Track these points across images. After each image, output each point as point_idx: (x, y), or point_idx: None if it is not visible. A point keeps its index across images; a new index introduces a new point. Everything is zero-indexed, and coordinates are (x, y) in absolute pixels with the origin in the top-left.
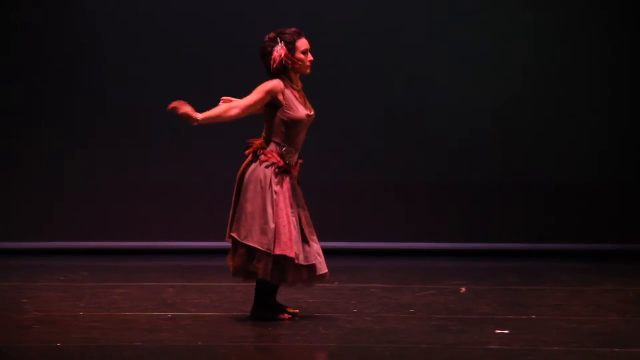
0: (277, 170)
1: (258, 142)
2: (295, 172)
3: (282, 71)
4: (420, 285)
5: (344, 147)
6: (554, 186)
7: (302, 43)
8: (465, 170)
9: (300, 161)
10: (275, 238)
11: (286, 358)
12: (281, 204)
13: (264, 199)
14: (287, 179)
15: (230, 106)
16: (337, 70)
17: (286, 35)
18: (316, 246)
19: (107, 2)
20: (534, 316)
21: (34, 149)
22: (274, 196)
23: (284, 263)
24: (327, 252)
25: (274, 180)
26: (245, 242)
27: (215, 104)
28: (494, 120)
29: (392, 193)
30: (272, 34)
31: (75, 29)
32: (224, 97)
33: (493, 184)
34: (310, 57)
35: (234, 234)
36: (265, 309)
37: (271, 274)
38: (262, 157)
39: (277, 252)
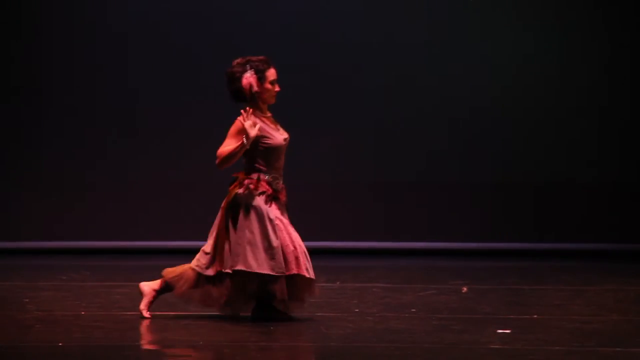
0: (267, 198)
1: (242, 174)
2: (283, 198)
3: (251, 99)
4: (422, 285)
5: (346, 147)
6: (555, 186)
7: (271, 73)
8: (466, 170)
9: (284, 186)
10: (285, 260)
11: (288, 358)
12: (281, 226)
13: (263, 226)
14: (276, 205)
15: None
16: (337, 70)
17: (256, 63)
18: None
19: (108, 4)
20: (535, 316)
21: (35, 149)
22: (273, 222)
23: (296, 280)
24: (329, 252)
25: (267, 207)
26: (259, 271)
27: (213, 105)
28: (494, 120)
29: (394, 193)
30: (240, 60)
31: (75, 28)
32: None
33: (494, 183)
34: (277, 87)
35: (241, 267)
36: (266, 309)
37: (288, 292)
38: (252, 186)
39: (288, 272)
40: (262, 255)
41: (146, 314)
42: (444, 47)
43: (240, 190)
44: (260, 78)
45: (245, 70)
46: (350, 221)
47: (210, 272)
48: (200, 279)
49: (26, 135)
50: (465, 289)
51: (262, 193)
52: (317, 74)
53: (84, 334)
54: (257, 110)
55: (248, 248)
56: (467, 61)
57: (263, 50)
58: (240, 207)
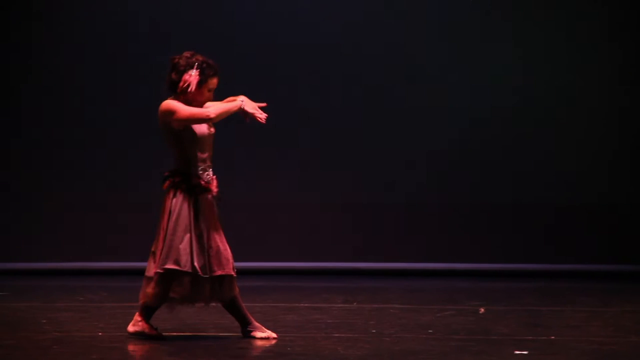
0: (197, 191)
1: (172, 172)
2: (214, 189)
3: (180, 94)
4: (439, 305)
5: (363, 168)
6: (573, 207)
7: (213, 83)
8: (484, 191)
9: (215, 177)
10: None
11: None
12: (202, 227)
13: (191, 226)
14: (205, 199)
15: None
16: (339, 76)
17: (205, 66)
18: None
19: (112, 16)
20: (553, 337)
21: (54, 170)
22: (199, 222)
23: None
24: (346, 273)
25: (194, 205)
26: (187, 269)
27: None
28: (511, 141)
29: (411, 213)
30: (190, 54)
31: (73, 46)
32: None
33: (512, 204)
34: (211, 98)
35: (171, 266)
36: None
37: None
38: (183, 184)
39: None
40: (193, 254)
41: (159, 333)
42: (443, 57)
43: (172, 189)
44: (202, 81)
45: (191, 67)
46: (368, 242)
47: (150, 273)
48: (145, 280)
49: (47, 155)
50: (482, 309)
51: (193, 187)
52: (319, 84)
53: (102, 355)
54: (182, 101)
55: (180, 247)
56: (489, 82)
57: (264, 63)
58: (175, 206)
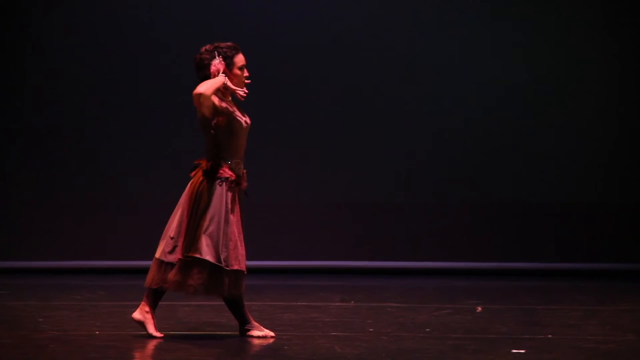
0: (230, 184)
1: (204, 161)
2: (244, 183)
3: None
4: (436, 304)
5: (362, 167)
6: (570, 205)
7: (240, 59)
8: (482, 190)
9: (246, 171)
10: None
11: None
12: (233, 220)
13: (222, 218)
14: (236, 192)
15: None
16: (341, 82)
17: (224, 50)
18: None
19: (109, 24)
20: (550, 336)
21: (52, 169)
22: (228, 214)
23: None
24: (344, 272)
25: (227, 197)
26: (212, 260)
27: None
28: (508, 140)
29: (410, 213)
30: (208, 46)
31: (73, 46)
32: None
33: (510, 203)
34: (246, 73)
35: (195, 254)
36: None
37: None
38: (215, 173)
39: (231, 267)
40: (217, 246)
41: (158, 334)
42: (443, 60)
43: (202, 178)
44: (229, 64)
45: (213, 57)
46: (366, 240)
47: (171, 258)
48: (162, 265)
49: (45, 154)
50: (479, 308)
51: (226, 179)
52: (320, 88)
53: (99, 354)
54: (219, 94)
55: (204, 237)
56: (484, 81)
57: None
58: (203, 195)
